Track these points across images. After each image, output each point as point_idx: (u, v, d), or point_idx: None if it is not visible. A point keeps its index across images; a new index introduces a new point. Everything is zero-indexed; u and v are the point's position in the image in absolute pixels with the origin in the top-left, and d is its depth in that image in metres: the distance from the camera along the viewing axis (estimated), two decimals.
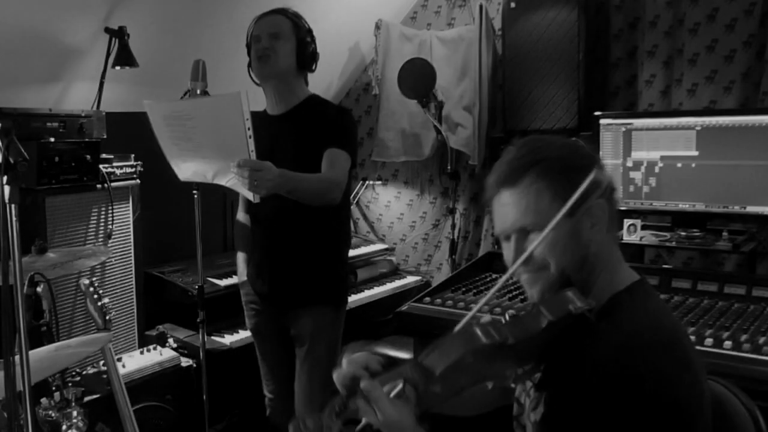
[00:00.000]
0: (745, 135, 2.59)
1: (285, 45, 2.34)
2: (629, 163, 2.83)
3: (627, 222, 2.76)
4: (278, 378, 2.60)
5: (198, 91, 2.41)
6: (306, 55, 2.39)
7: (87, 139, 2.59)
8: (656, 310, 1.24)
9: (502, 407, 1.41)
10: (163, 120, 2.17)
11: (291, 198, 2.16)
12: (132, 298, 2.82)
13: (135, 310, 2.83)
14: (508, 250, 1.27)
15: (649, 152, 2.77)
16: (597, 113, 2.92)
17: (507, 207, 1.24)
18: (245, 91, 1.91)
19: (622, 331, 1.16)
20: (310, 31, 2.42)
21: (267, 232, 2.45)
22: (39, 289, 2.22)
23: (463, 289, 2.65)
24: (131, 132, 2.98)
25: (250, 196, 2.06)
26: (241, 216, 2.66)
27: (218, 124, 2.03)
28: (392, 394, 1.17)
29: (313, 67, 2.45)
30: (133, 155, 2.81)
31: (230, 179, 2.09)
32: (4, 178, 1.49)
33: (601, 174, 1.24)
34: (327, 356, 2.46)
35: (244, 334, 2.94)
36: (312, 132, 2.34)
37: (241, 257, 2.64)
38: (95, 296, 2.24)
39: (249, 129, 1.95)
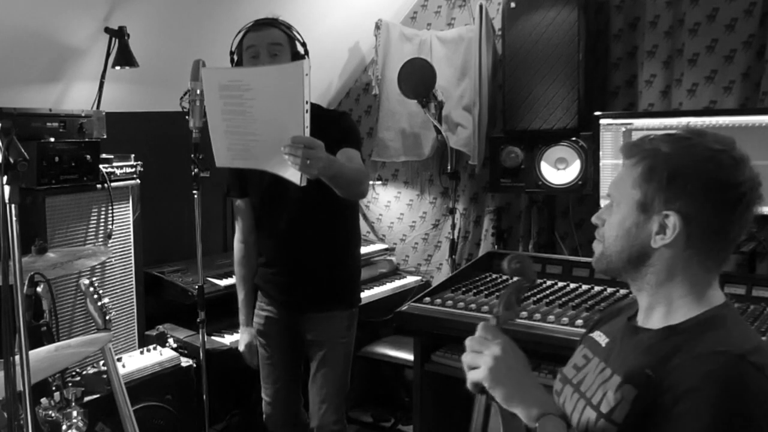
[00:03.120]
0: (745, 135, 2.59)
1: (283, 60, 2.27)
2: None
3: None
4: (279, 383, 2.60)
5: (198, 91, 2.40)
6: None
7: (87, 139, 2.58)
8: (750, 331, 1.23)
9: None
10: (218, 89, 2.05)
11: (331, 185, 2.08)
12: (132, 298, 2.82)
13: (135, 310, 2.83)
14: None
15: None
16: (597, 113, 2.92)
17: (617, 174, 1.32)
18: (308, 61, 1.82)
19: (722, 350, 1.12)
20: (304, 44, 2.37)
21: (283, 244, 2.45)
22: (39, 289, 2.22)
23: (463, 289, 2.64)
24: (131, 132, 2.98)
25: (296, 178, 1.97)
26: (239, 246, 2.61)
27: (277, 96, 1.94)
28: None
29: None
30: (133, 155, 2.81)
31: (274, 162, 1.99)
32: (4, 178, 1.49)
33: (700, 193, 1.18)
34: (344, 359, 2.48)
35: None
36: (318, 137, 2.33)
37: (242, 301, 2.61)
38: (95, 296, 2.24)
39: (307, 102, 1.86)
